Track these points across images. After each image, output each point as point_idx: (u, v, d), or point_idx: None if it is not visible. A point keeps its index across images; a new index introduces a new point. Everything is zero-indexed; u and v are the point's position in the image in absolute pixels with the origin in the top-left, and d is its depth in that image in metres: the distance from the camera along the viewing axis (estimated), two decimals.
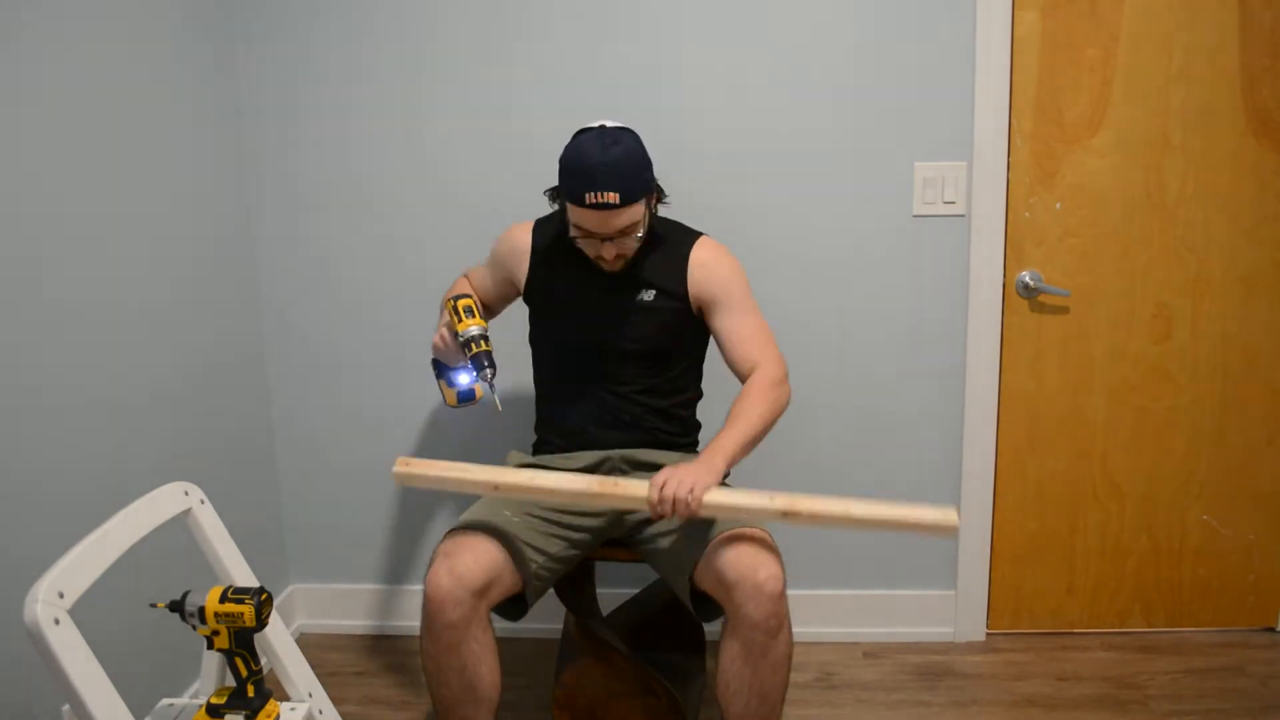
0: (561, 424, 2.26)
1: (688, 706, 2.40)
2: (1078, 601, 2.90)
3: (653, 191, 2.13)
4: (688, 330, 2.22)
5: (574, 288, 2.19)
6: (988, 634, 2.92)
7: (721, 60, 2.62)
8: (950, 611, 2.90)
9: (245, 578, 1.72)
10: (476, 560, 1.94)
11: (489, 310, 2.34)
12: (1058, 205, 2.66)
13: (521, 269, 2.26)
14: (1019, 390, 2.76)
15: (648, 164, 2.08)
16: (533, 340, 2.33)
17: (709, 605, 2.04)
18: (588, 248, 2.11)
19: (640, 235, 2.09)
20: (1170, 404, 2.76)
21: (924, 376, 2.76)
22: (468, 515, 2.09)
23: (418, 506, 2.92)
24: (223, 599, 1.63)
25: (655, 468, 2.09)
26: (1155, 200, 2.64)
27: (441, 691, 1.99)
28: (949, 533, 1.90)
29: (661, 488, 1.88)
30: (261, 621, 1.65)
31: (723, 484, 1.99)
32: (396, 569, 2.99)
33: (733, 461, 1.99)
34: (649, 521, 2.15)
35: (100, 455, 2.12)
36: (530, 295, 2.28)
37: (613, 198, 1.99)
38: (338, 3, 2.66)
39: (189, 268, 2.48)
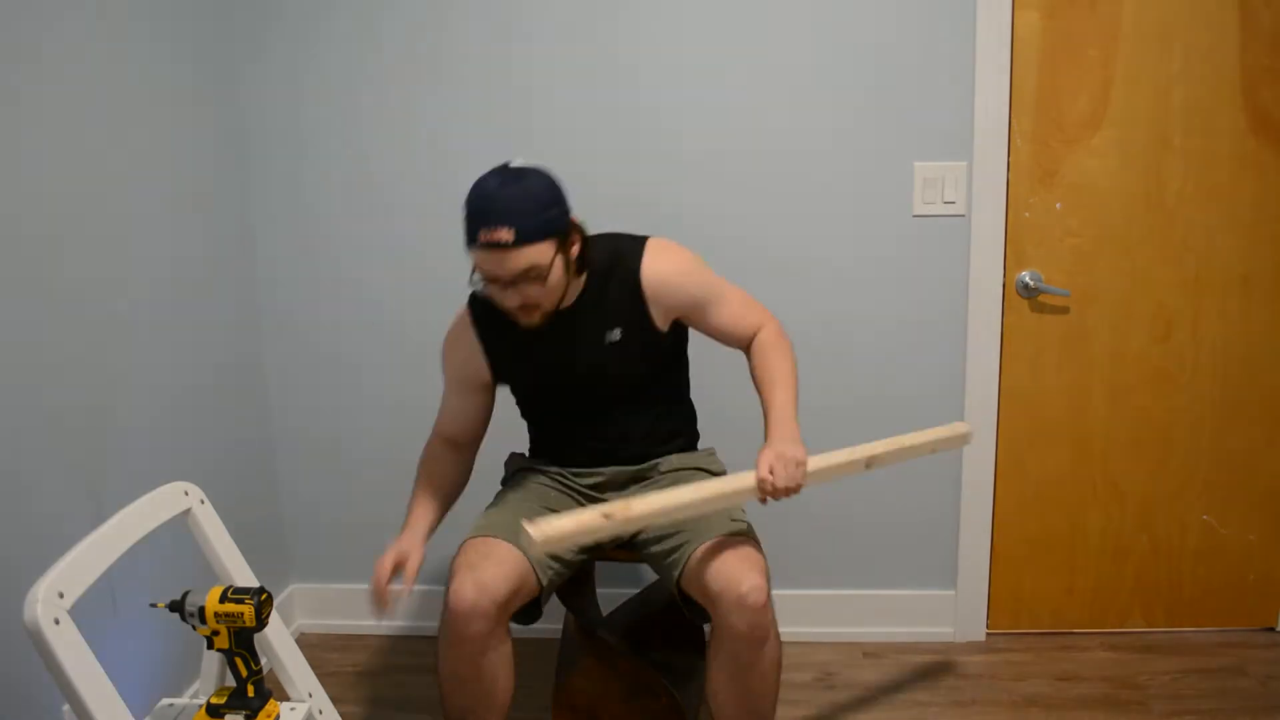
0: (560, 459, 2.22)
1: (687, 706, 2.40)
2: (1078, 601, 2.90)
3: (564, 233, 1.91)
4: (666, 349, 2.14)
5: (537, 349, 2.06)
6: (988, 634, 2.92)
7: (721, 60, 2.62)
8: (950, 612, 2.90)
9: (245, 578, 1.72)
10: (501, 571, 1.91)
11: (474, 421, 2.21)
12: (1058, 205, 2.66)
13: (481, 367, 2.13)
14: (1019, 390, 2.76)
15: (553, 202, 1.89)
16: (514, 396, 2.24)
17: (700, 606, 2.02)
18: (497, 299, 1.94)
19: (548, 281, 1.90)
20: (1170, 404, 2.76)
21: (924, 376, 2.76)
22: (485, 523, 2.06)
23: None
24: (223, 599, 1.64)
25: (663, 473, 2.13)
26: (1155, 200, 2.64)
27: (456, 699, 1.97)
28: (965, 440, 2.19)
29: (771, 473, 1.87)
30: (261, 621, 1.66)
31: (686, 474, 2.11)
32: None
33: (797, 420, 2.00)
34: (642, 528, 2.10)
35: (100, 455, 2.12)
36: (500, 378, 2.17)
37: (505, 235, 1.81)
38: (341, 3, 2.66)
39: (189, 267, 2.48)
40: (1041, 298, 2.71)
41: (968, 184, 2.64)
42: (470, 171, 2.70)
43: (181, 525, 1.72)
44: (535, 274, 1.87)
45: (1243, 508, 2.82)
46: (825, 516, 2.84)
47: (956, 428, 2.18)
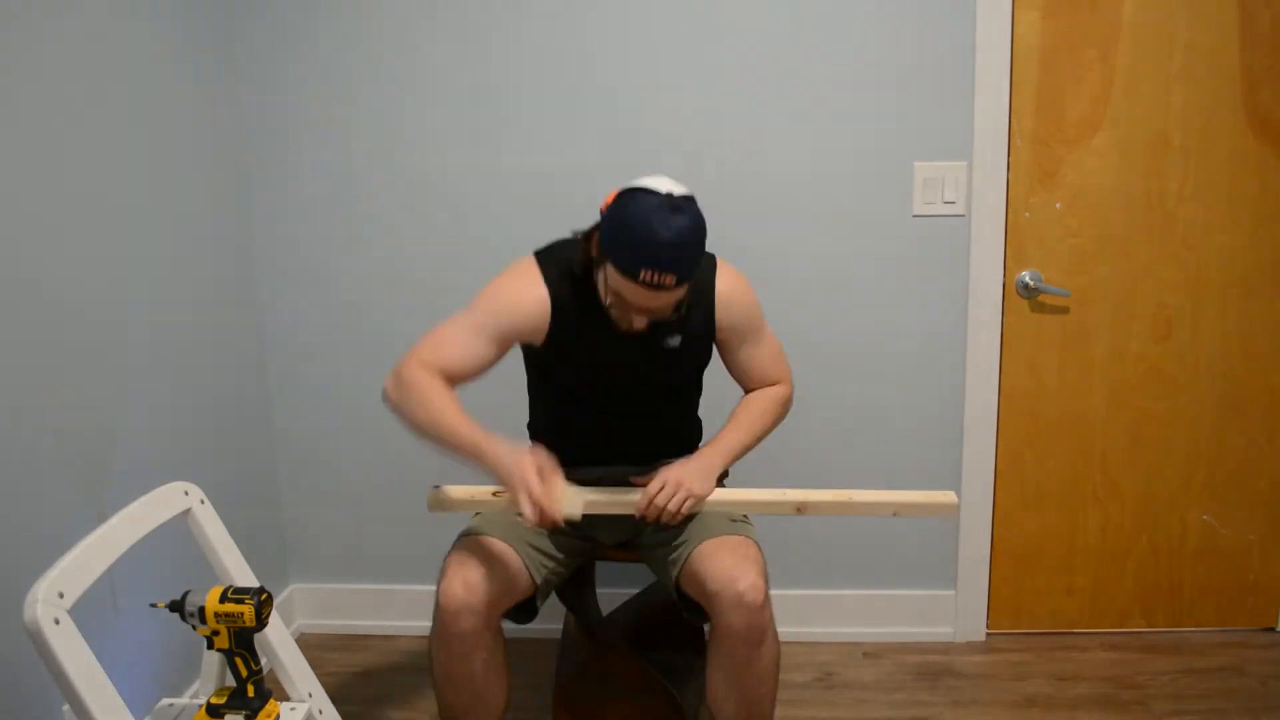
0: (560, 449, 2.08)
1: (687, 706, 2.40)
2: (1078, 601, 2.90)
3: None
4: (705, 361, 2.15)
5: (594, 335, 1.99)
6: (988, 634, 2.92)
7: (719, 61, 2.62)
8: (950, 611, 2.90)
9: (245, 577, 1.72)
10: (491, 569, 1.91)
11: (479, 370, 1.97)
12: (1058, 205, 2.65)
13: (541, 325, 1.99)
14: (1019, 390, 2.76)
15: (704, 239, 1.85)
16: (530, 369, 2.17)
17: (698, 607, 2.02)
18: (617, 312, 1.92)
19: (671, 332, 1.97)
20: (1170, 404, 2.76)
21: (923, 376, 2.75)
22: (479, 521, 2.06)
23: (417, 506, 2.91)
24: (223, 599, 1.64)
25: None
26: (1155, 200, 2.64)
27: (448, 698, 1.97)
28: (949, 511, 2.02)
29: (654, 497, 1.91)
30: (261, 621, 1.66)
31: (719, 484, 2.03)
32: (396, 569, 2.99)
33: (729, 463, 2.03)
34: (642, 529, 2.12)
35: (100, 455, 2.12)
36: (550, 351, 2.04)
37: (670, 280, 1.79)
38: (335, 14, 2.66)
39: (189, 269, 2.48)
40: (1041, 298, 2.71)
41: (968, 184, 2.64)
42: (466, 180, 2.71)
43: (181, 525, 1.72)
44: (677, 305, 1.92)
45: (1243, 508, 2.82)
46: (825, 517, 2.83)
47: (940, 496, 2.03)
